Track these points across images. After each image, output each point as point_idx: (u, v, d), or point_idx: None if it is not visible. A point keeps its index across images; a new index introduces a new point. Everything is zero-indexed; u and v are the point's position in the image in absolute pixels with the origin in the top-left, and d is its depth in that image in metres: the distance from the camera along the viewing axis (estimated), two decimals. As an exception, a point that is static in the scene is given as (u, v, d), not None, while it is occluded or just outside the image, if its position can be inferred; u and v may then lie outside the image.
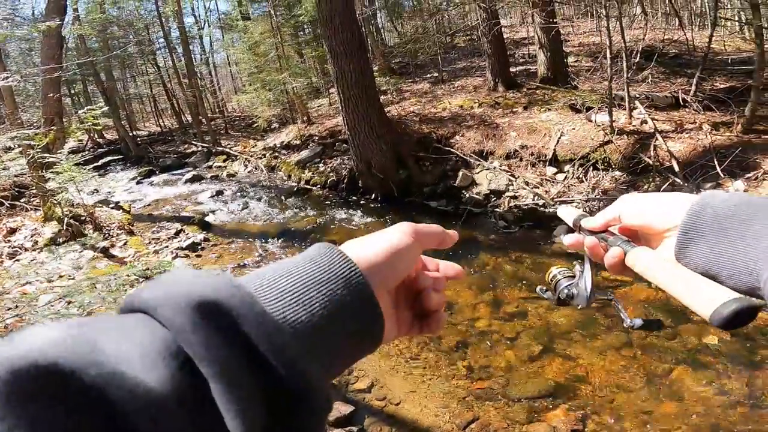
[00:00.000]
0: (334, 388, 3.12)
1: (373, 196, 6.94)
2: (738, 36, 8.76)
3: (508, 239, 5.20)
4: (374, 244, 0.37)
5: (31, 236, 6.07)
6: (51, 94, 6.90)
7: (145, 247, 6.04)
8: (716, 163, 4.80)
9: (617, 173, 5.49)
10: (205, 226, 6.85)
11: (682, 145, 5.35)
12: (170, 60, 15.32)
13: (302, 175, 8.34)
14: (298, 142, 9.45)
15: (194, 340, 0.24)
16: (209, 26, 19.91)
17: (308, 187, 8.02)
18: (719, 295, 0.37)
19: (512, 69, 8.95)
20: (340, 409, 2.86)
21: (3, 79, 5.51)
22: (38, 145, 5.15)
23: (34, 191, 5.99)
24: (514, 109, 7.35)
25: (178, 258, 5.74)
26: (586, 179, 5.59)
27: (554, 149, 6.01)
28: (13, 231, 6.25)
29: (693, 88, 6.25)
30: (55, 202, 5.98)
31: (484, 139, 6.79)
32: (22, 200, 7.24)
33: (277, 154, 9.89)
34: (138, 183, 10.62)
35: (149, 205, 8.63)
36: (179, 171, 11.14)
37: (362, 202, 6.98)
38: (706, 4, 8.59)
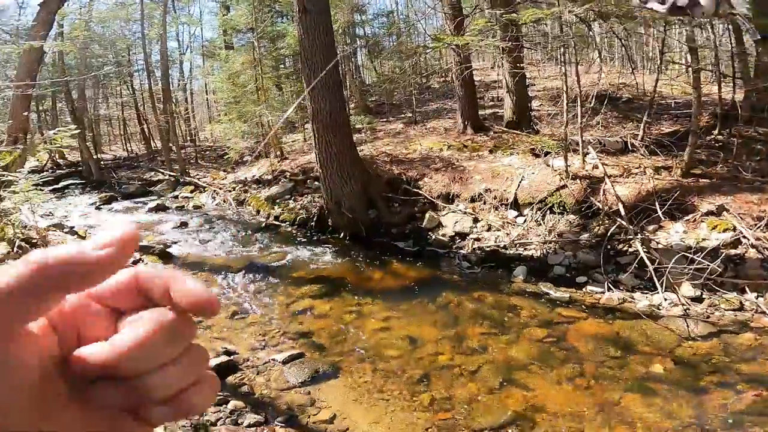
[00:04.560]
0: (295, 419, 3.06)
1: (342, 234, 6.94)
2: (683, 79, 8.76)
3: (471, 279, 5.38)
4: None
5: (-23, 257, 5.70)
6: (23, 112, 6.68)
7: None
8: (657, 206, 5.18)
9: (571, 217, 5.85)
10: (167, 257, 6.65)
11: (627, 189, 5.77)
12: (147, 83, 15.10)
13: (271, 210, 8.27)
14: (269, 177, 9.46)
15: None
16: (191, 52, 19.80)
17: (277, 223, 7.95)
18: None
19: (481, 112, 9.38)
20: (300, 440, 2.81)
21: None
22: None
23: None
24: (480, 153, 7.75)
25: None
26: (544, 222, 5.92)
27: (515, 193, 6.37)
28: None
29: (641, 132, 6.73)
30: (8, 222, 5.71)
31: (450, 182, 7.09)
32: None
33: (247, 187, 9.86)
34: (97, 209, 10.22)
35: (108, 231, 8.32)
36: (142, 199, 10.80)
37: (330, 240, 6.98)
38: (657, 48, 8.98)
